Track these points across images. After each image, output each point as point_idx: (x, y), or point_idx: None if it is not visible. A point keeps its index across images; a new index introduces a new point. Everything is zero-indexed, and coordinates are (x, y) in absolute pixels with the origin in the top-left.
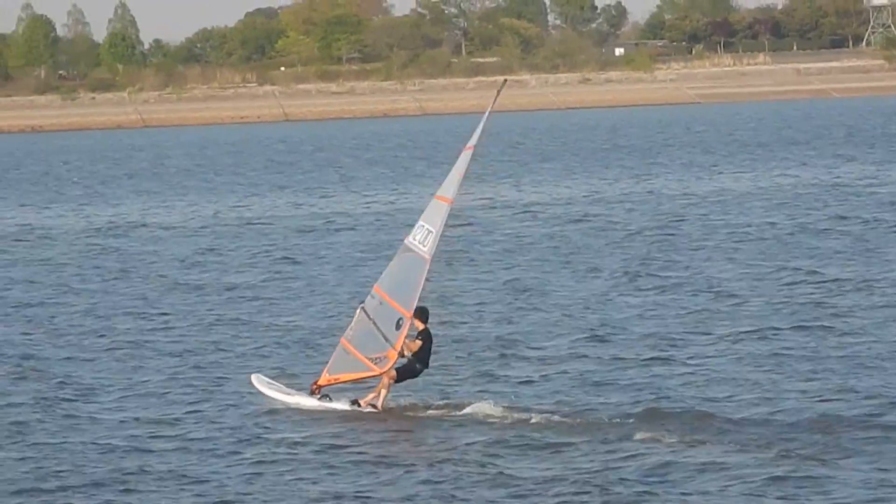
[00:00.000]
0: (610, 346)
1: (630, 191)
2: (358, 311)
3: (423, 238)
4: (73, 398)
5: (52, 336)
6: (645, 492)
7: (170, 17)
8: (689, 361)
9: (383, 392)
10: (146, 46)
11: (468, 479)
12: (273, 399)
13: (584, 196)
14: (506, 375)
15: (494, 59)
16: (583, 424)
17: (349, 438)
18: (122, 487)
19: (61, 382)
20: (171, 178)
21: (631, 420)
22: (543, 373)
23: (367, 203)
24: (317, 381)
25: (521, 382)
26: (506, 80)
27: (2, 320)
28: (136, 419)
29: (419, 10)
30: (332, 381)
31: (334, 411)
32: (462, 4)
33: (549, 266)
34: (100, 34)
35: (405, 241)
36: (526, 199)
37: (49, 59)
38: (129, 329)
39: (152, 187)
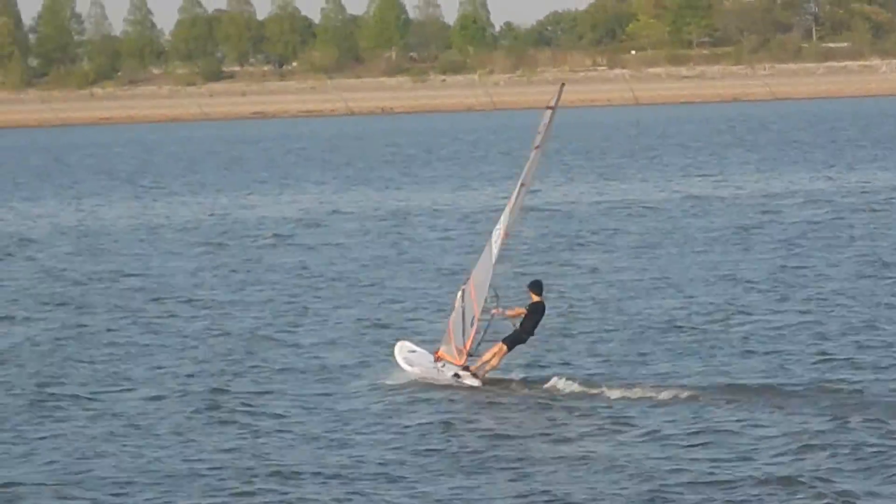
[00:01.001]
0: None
1: None
2: (460, 292)
3: (496, 238)
4: (300, 379)
5: (291, 321)
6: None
7: (520, 0)
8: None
9: (491, 363)
10: (497, 29)
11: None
12: (403, 371)
13: (887, 185)
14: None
15: (845, 44)
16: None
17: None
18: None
19: (288, 364)
20: (494, 161)
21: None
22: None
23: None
24: (437, 352)
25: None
26: (563, 85)
27: (259, 304)
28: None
29: None
30: (441, 356)
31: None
32: None
33: (818, 253)
34: (451, 16)
35: (492, 233)
36: (821, 186)
37: (400, 40)
38: (374, 317)
39: (472, 171)
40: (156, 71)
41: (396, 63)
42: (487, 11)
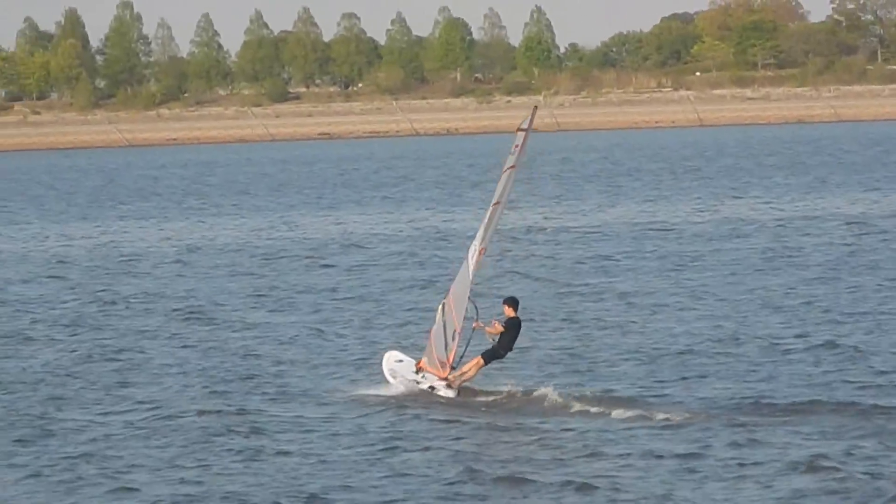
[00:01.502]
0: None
1: None
2: (440, 306)
3: (472, 253)
4: None
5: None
6: None
7: (585, 22)
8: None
9: (468, 374)
10: (562, 50)
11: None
12: (386, 380)
13: None
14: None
15: None
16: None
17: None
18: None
19: None
20: (546, 183)
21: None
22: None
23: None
24: (419, 362)
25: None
26: (536, 108)
27: (286, 325)
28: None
29: (835, 16)
30: (422, 367)
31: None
32: (878, 11)
33: (848, 277)
34: (516, 37)
35: (469, 249)
36: (863, 209)
37: (465, 62)
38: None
39: (521, 193)
40: (222, 92)
41: (461, 84)
42: (552, 33)
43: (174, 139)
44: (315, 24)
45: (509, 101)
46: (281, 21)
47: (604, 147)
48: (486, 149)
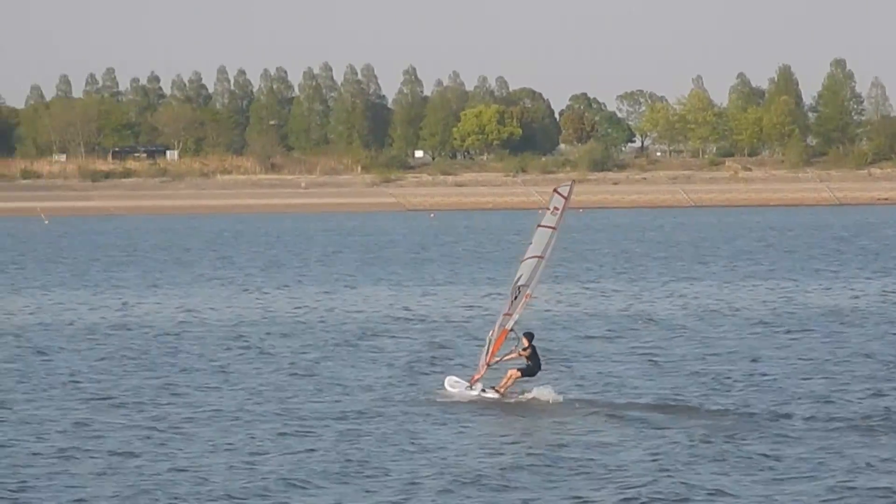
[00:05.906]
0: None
1: None
2: (489, 334)
3: (513, 293)
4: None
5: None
6: None
7: None
8: None
9: (508, 382)
10: None
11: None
12: (449, 395)
13: None
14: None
15: None
16: None
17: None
18: None
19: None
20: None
21: None
22: None
23: None
24: (472, 379)
25: None
26: (574, 182)
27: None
28: None
29: None
30: (473, 380)
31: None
32: None
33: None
34: None
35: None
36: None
37: None
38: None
39: None
40: None
41: None
42: None
43: (885, 199)
44: None
45: None
46: None
47: None
48: None
